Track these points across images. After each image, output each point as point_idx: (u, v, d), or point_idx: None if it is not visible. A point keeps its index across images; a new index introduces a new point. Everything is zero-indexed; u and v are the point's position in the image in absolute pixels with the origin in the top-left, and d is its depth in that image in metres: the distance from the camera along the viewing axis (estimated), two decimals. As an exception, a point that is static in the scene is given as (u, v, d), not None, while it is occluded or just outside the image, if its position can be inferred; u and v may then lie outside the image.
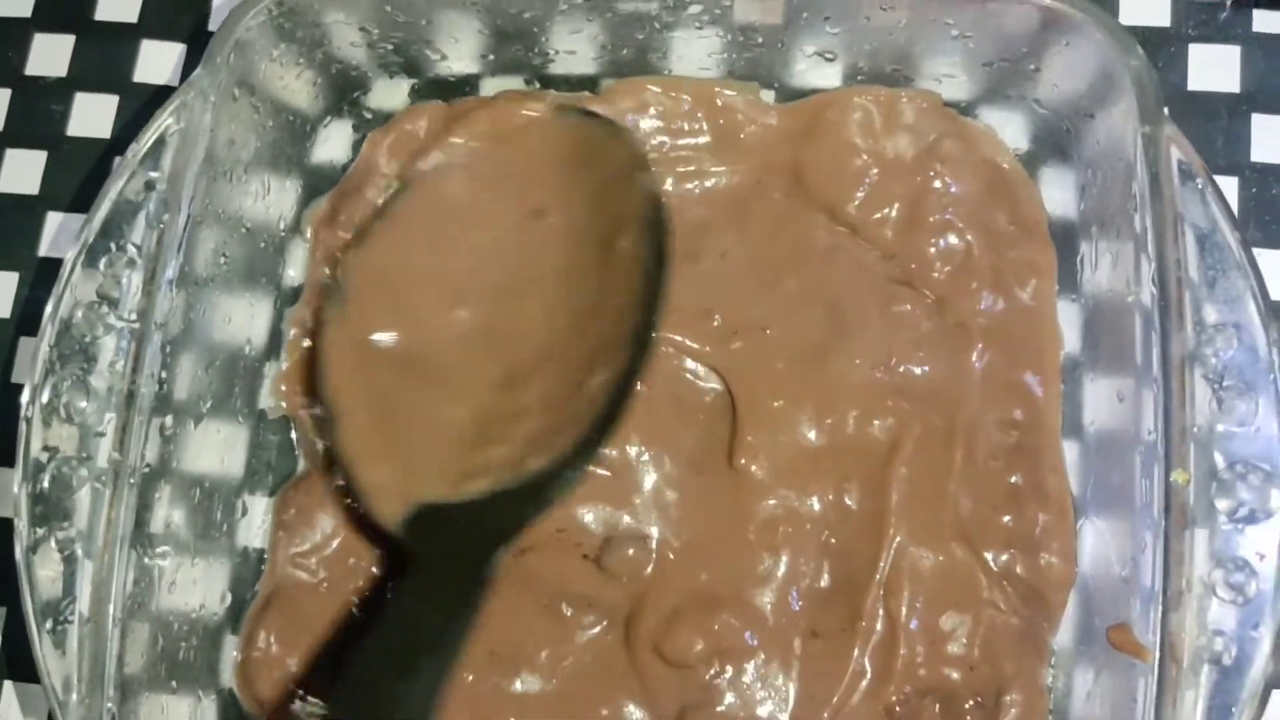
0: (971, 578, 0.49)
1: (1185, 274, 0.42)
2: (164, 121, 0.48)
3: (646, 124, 0.54)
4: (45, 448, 0.45)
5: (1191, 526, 0.41)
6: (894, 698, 0.48)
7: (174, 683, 0.48)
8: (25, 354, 0.58)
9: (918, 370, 0.50)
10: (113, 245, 0.47)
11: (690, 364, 0.52)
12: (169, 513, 0.48)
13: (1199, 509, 0.41)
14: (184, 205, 0.47)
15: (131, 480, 0.45)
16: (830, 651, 0.48)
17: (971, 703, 0.48)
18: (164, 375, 0.46)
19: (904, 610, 0.48)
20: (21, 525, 0.45)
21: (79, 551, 0.45)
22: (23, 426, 0.46)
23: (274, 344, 0.55)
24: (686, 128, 0.54)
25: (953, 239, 0.52)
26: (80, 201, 0.60)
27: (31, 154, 0.61)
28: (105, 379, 0.46)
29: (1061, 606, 0.48)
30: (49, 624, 0.44)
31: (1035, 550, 0.49)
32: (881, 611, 0.48)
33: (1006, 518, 0.49)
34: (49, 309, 0.47)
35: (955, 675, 0.48)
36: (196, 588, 0.50)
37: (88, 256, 0.47)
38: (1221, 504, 0.41)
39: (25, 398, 0.46)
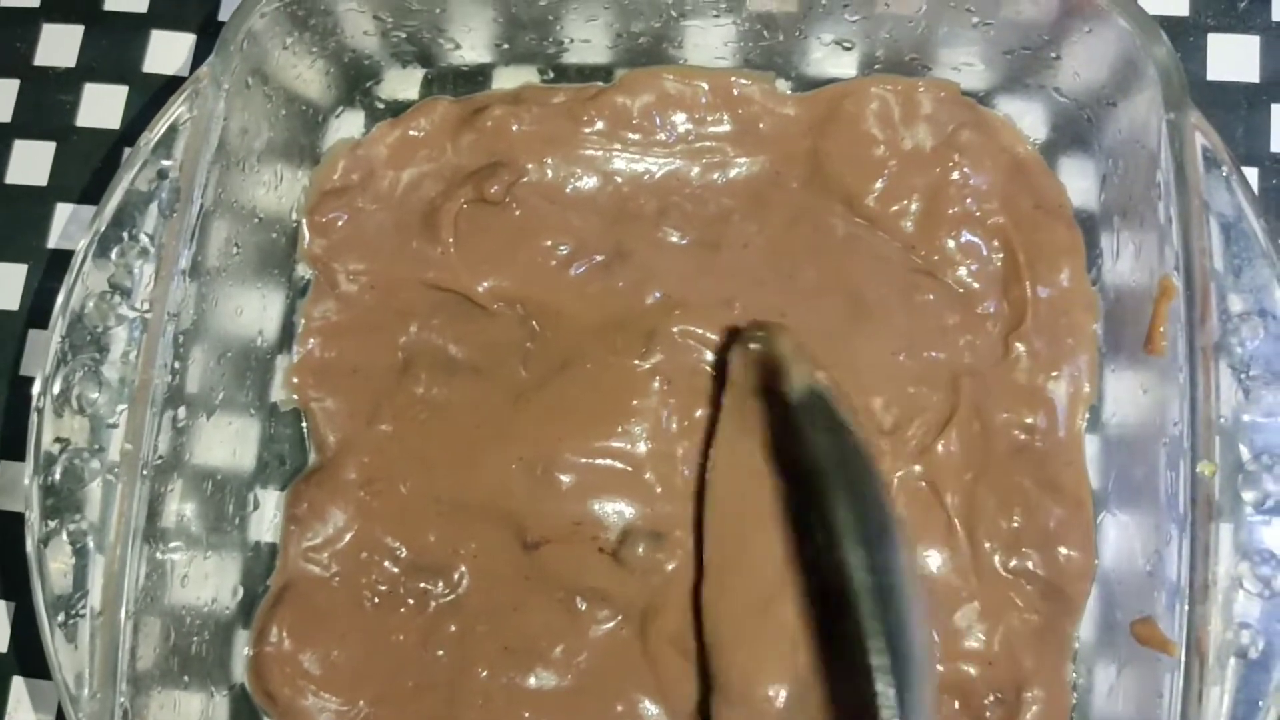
0: (984, 574, 0.48)
1: (1210, 263, 0.42)
2: (177, 110, 0.47)
3: (671, 113, 0.54)
4: (57, 439, 0.45)
5: (1217, 519, 0.40)
6: (911, 695, 0.47)
7: (186, 678, 0.48)
8: (35, 346, 0.58)
9: (941, 357, 0.50)
10: (125, 235, 0.46)
11: (710, 355, 0.51)
12: (181, 506, 0.48)
13: (1225, 501, 0.41)
14: (197, 193, 0.46)
15: (144, 473, 0.44)
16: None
17: (991, 698, 0.47)
18: (176, 366, 0.46)
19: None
20: (33, 518, 0.44)
21: (90, 544, 0.44)
22: (34, 418, 0.45)
23: (286, 336, 0.54)
24: (709, 117, 0.54)
25: (974, 230, 0.52)
26: (90, 193, 0.59)
27: (40, 145, 0.60)
28: (118, 369, 0.45)
29: (1082, 599, 0.48)
30: (60, 618, 0.44)
31: (1052, 545, 0.48)
32: None
33: (1021, 513, 0.49)
34: (60, 299, 0.46)
35: (973, 671, 0.48)
36: (208, 582, 0.49)
37: (99, 246, 0.46)
38: (1248, 495, 0.41)
39: (36, 389, 0.45)
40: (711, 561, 0.48)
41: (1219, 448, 0.41)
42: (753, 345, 0.48)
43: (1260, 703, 0.39)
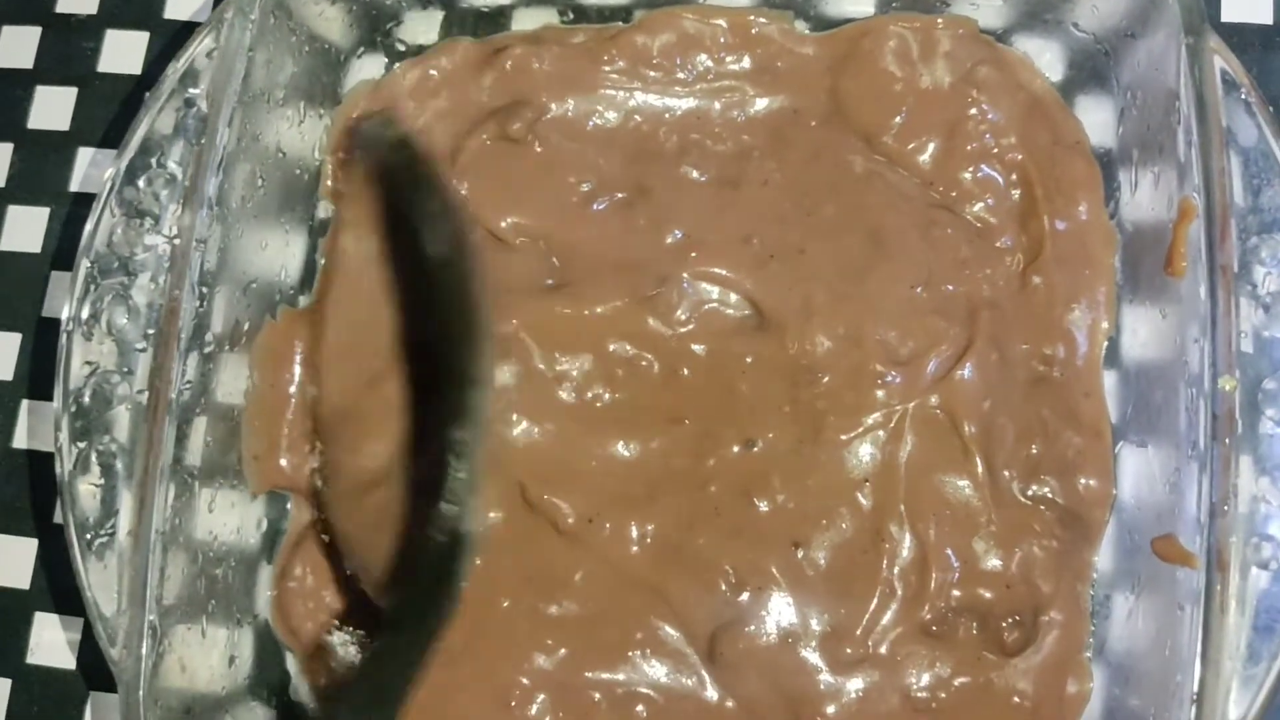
0: (1003, 500, 0.49)
1: (1230, 183, 0.42)
2: (203, 42, 0.48)
3: (691, 52, 0.54)
4: (86, 363, 0.45)
5: (1238, 433, 0.41)
6: (928, 616, 0.48)
7: (212, 604, 0.48)
8: (58, 288, 0.58)
9: (959, 290, 0.50)
10: (152, 163, 0.47)
11: (720, 294, 0.52)
12: (209, 434, 0.48)
13: (1245, 416, 0.41)
14: (223, 122, 0.47)
15: (173, 395, 0.45)
16: (858, 573, 0.48)
17: (1009, 621, 0.47)
18: (204, 292, 0.46)
19: (931, 532, 0.48)
20: (63, 439, 0.45)
21: (119, 466, 0.45)
22: (63, 340, 0.46)
23: (309, 274, 0.55)
24: (728, 57, 0.54)
25: (992, 165, 0.52)
26: (111, 137, 0.60)
27: (63, 90, 0.61)
28: (145, 294, 0.46)
29: (1100, 526, 0.48)
30: (89, 538, 0.44)
31: (1071, 474, 0.49)
32: (909, 535, 0.48)
33: (1040, 442, 0.49)
34: (89, 226, 0.47)
35: (990, 595, 0.48)
36: (234, 511, 0.50)
37: (126, 175, 0.47)
38: (1269, 411, 0.41)
39: (66, 314, 0.46)
40: (329, 342, 0.51)
41: (1240, 364, 0.41)
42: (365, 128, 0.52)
43: (1282, 612, 0.40)
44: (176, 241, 0.46)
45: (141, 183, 0.47)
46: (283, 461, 0.51)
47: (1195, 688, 0.39)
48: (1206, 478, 0.41)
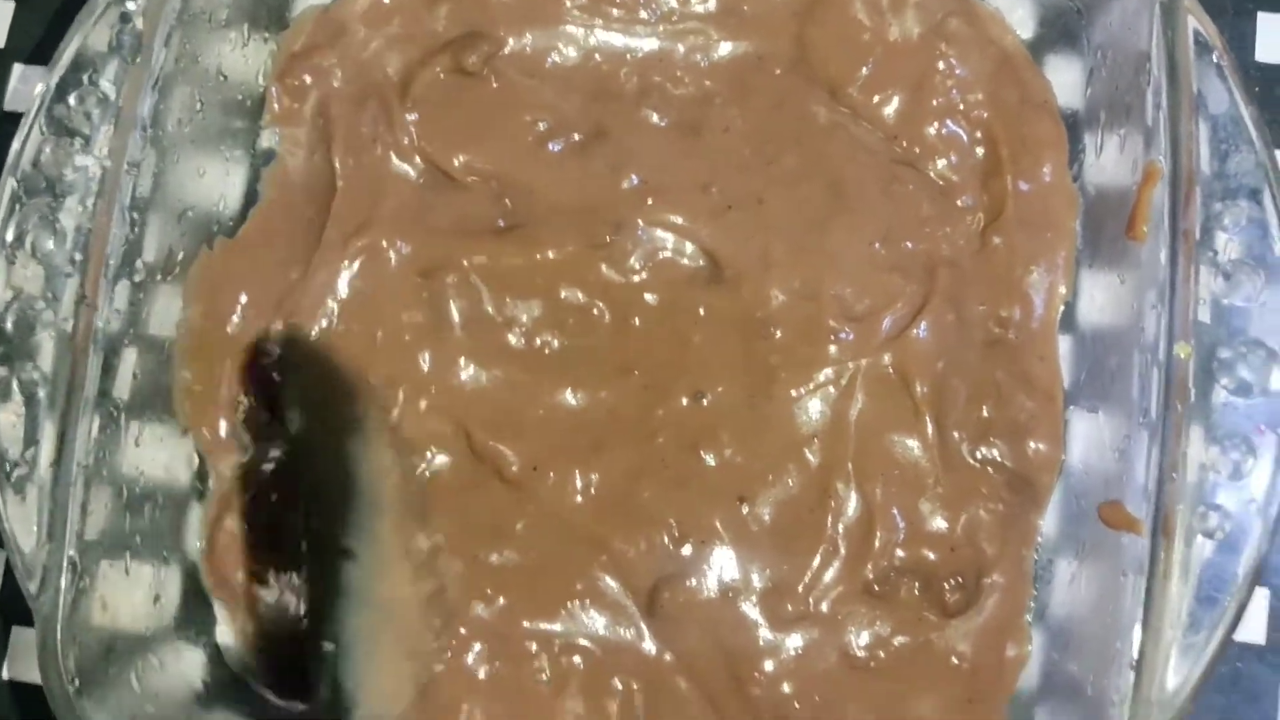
0: (951, 461, 0.48)
1: (1196, 147, 0.41)
2: (142, -46, 0.45)
3: None
4: (10, 286, 0.43)
5: (1190, 401, 0.40)
6: (871, 576, 0.47)
7: (138, 540, 0.46)
8: (-15, 210, 0.56)
9: (919, 248, 0.49)
10: (84, 79, 0.45)
11: (676, 243, 0.51)
12: (138, 366, 0.46)
13: (1199, 385, 0.41)
14: (159, 40, 0.44)
15: (99, 323, 0.43)
16: (803, 530, 0.48)
17: (952, 582, 0.47)
18: (135, 218, 0.44)
19: (878, 492, 0.48)
20: (-17, 367, 0.43)
21: (42, 395, 0.43)
22: (-15, 264, 0.44)
23: (249, 203, 0.52)
24: None
25: (957, 121, 0.51)
26: (46, 54, 0.56)
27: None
28: (74, 218, 0.44)
29: (1048, 490, 0.48)
30: (8, 471, 0.43)
31: (1021, 437, 0.48)
32: (855, 493, 0.48)
33: (992, 405, 0.49)
34: (15, 145, 0.45)
35: (934, 556, 0.48)
36: (164, 446, 0.48)
37: (57, 92, 0.45)
38: (1223, 380, 0.41)
39: (-12, 234, 0.44)
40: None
41: (1197, 332, 0.41)
42: None
43: (1226, 582, 0.40)
44: (107, 164, 0.44)
45: (72, 100, 0.45)
46: (216, 397, 0.50)
47: (1135, 654, 0.39)
48: (1156, 445, 0.40)
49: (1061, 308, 0.50)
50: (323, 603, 0.49)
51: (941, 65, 0.51)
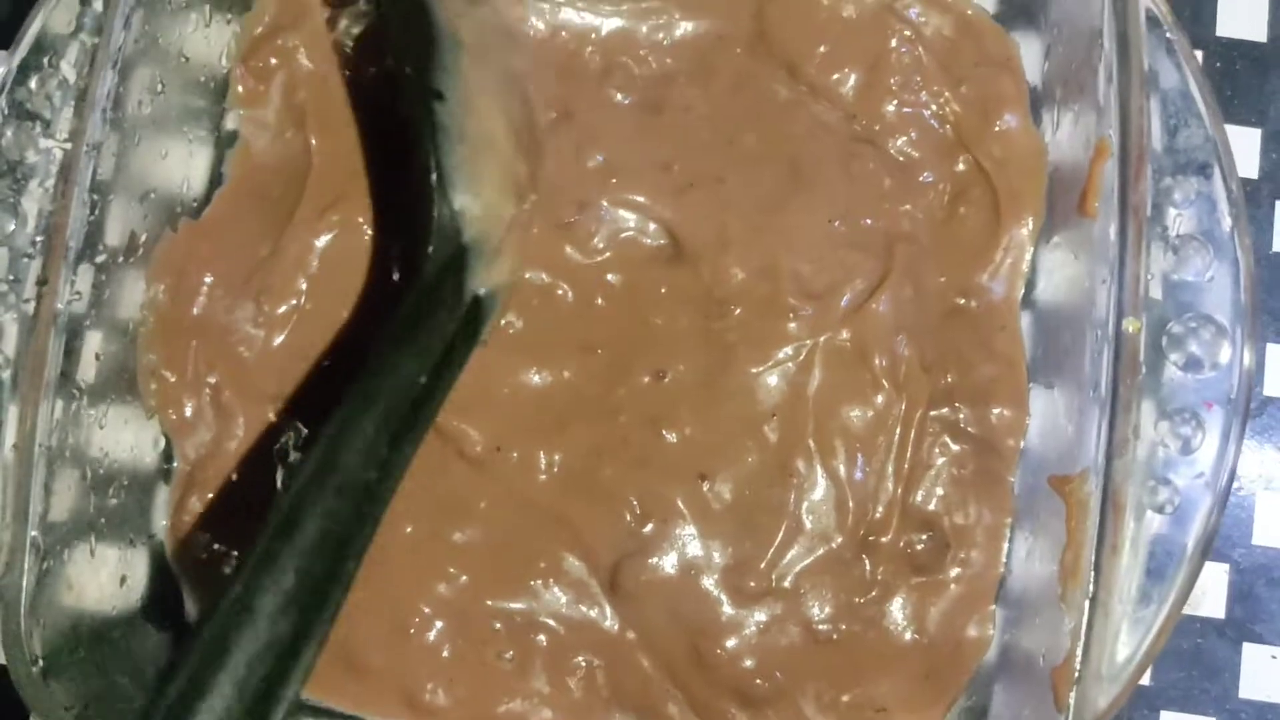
0: (915, 434, 0.49)
1: (1147, 123, 0.42)
2: (99, -63, 0.45)
3: None
4: (-30, 271, 0.44)
5: (1139, 376, 0.41)
6: (834, 550, 0.48)
7: (103, 521, 0.47)
8: (-48, 193, 0.56)
9: (877, 224, 0.50)
10: (45, 62, 0.45)
11: (638, 223, 0.51)
12: (101, 348, 0.46)
13: (1149, 359, 0.41)
14: (119, 21, 0.44)
15: (60, 305, 0.43)
16: (764, 506, 0.48)
17: (916, 555, 0.48)
18: (96, 199, 0.45)
19: (840, 467, 0.48)
20: (-55, 352, 0.43)
21: (4, 378, 0.43)
22: (-54, 246, 0.44)
23: (213, 187, 0.53)
24: None
25: (917, 97, 0.51)
26: (7, 37, 0.57)
27: (-37, -14, 0.58)
28: (36, 201, 0.44)
29: (1014, 454, 0.49)
30: (-29, 453, 0.43)
31: (985, 404, 0.49)
32: (818, 468, 0.48)
33: (955, 373, 0.49)
34: (-25, 127, 0.45)
35: (899, 530, 0.48)
36: (129, 428, 0.49)
37: (18, 75, 0.45)
38: (1173, 356, 0.41)
39: (-52, 217, 0.44)
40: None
41: (1147, 307, 0.41)
42: None
43: (1175, 556, 0.40)
44: (67, 147, 0.44)
45: (33, 83, 0.45)
46: (183, 379, 0.50)
47: (1083, 629, 0.39)
48: (1106, 420, 0.41)
49: (1023, 280, 0.50)
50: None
51: (895, 41, 0.51)
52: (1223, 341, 0.41)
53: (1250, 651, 0.50)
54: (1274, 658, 0.50)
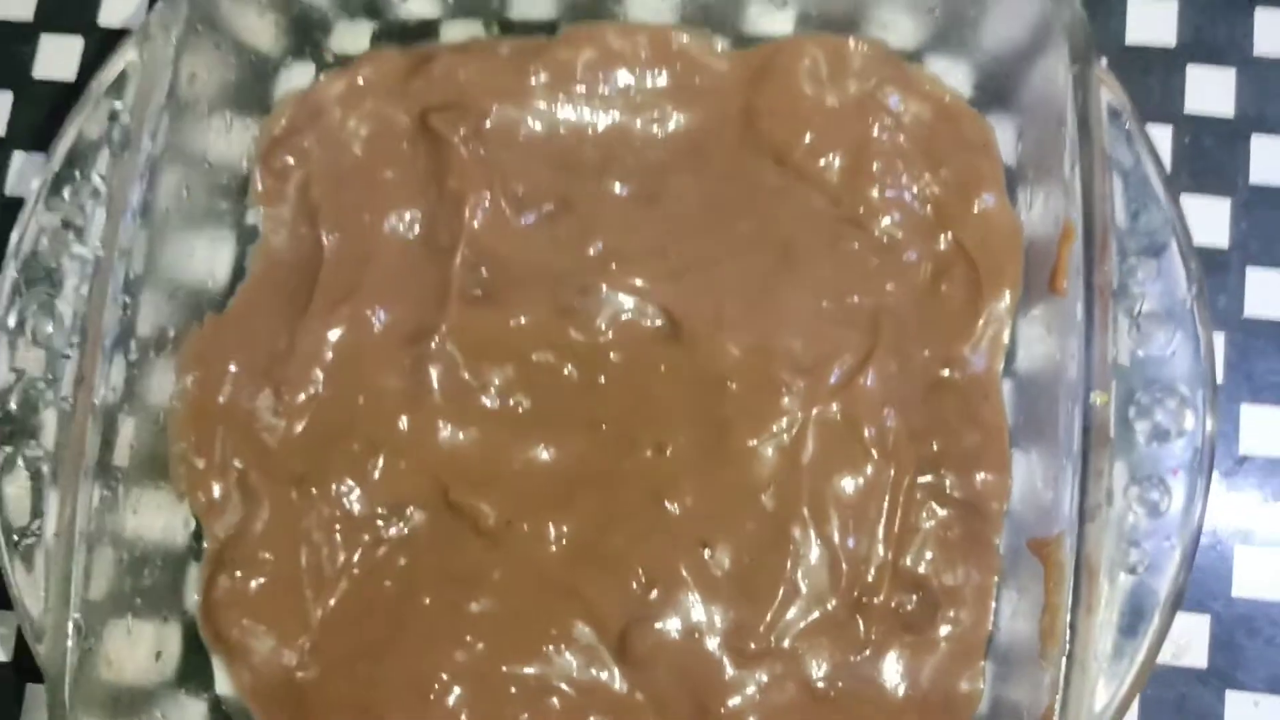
0: (904, 500, 0.51)
1: (1110, 207, 0.44)
2: (127, 55, 0.49)
3: (612, 68, 0.56)
4: (13, 369, 0.47)
5: (1110, 445, 0.43)
6: (830, 612, 0.50)
7: (139, 601, 0.50)
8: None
9: (864, 301, 0.52)
10: (77, 174, 0.48)
11: (637, 305, 0.54)
12: (135, 438, 0.49)
13: (1119, 430, 0.43)
14: (146, 136, 0.48)
15: (96, 399, 0.46)
16: (763, 572, 0.51)
17: (910, 615, 0.50)
18: (128, 302, 0.48)
19: (834, 533, 0.51)
20: (-8, 445, 0.46)
21: (45, 470, 0.46)
22: (-10, 349, 0.47)
23: (236, 279, 0.56)
24: (648, 73, 0.56)
25: (899, 180, 0.54)
26: (44, 141, 0.60)
27: (-1, 94, 0.61)
28: (71, 303, 0.47)
29: (999, 518, 0.51)
30: (16, 541, 0.46)
31: (970, 470, 0.51)
32: (812, 535, 0.51)
33: (940, 441, 0.51)
34: (15, 236, 0.48)
35: (891, 591, 0.50)
36: (161, 512, 0.51)
37: (52, 186, 0.48)
38: (1140, 426, 0.44)
39: (-8, 321, 0.47)
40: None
41: (1114, 381, 0.44)
42: None
43: (1146, 613, 0.42)
44: (100, 253, 0.47)
45: (67, 194, 0.48)
46: (210, 463, 0.53)
47: (1061, 685, 0.42)
48: (1079, 485, 0.43)
49: (1004, 353, 0.52)
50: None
51: (877, 128, 0.54)
52: (1186, 410, 0.44)
53: (1233, 698, 0.52)
54: (1256, 704, 0.52)
